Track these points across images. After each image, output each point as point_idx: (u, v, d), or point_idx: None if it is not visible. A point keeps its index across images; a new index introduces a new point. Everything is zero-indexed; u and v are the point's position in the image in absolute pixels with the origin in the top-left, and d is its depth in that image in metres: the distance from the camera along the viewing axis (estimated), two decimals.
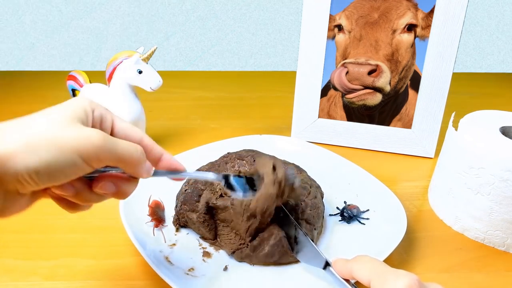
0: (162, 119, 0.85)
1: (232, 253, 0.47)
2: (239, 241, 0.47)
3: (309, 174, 0.57)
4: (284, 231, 0.47)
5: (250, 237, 0.46)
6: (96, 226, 0.54)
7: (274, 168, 0.43)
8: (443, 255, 0.51)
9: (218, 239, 0.49)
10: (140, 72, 0.61)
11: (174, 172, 0.37)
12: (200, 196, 0.50)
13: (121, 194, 0.35)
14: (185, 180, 0.54)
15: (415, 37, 0.67)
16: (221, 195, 0.49)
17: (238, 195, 0.42)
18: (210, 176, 0.40)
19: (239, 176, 0.43)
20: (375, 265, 0.35)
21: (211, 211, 0.49)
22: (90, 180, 0.34)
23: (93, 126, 0.32)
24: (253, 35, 1.29)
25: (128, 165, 0.33)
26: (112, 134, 0.34)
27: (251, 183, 0.43)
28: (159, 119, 0.85)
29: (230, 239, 0.48)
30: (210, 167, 0.55)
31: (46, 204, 0.59)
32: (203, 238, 0.50)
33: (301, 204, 0.49)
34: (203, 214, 0.49)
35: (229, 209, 0.48)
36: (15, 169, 0.27)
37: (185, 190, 0.52)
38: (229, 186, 0.41)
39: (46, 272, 0.47)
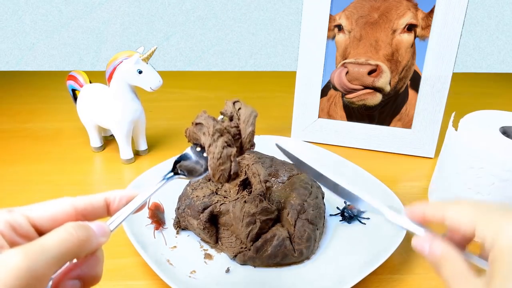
0: (162, 119, 0.85)
1: (234, 257, 0.47)
2: (240, 244, 0.47)
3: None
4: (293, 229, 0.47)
5: (251, 242, 0.46)
6: None
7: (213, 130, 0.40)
8: None
9: (219, 242, 0.49)
10: (140, 72, 0.61)
11: (132, 204, 0.31)
12: (205, 209, 0.49)
13: (92, 281, 0.27)
14: (187, 183, 0.54)
15: (415, 37, 0.67)
16: (223, 204, 0.49)
17: (199, 171, 0.39)
18: (161, 185, 0.35)
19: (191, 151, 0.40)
20: (480, 206, 0.27)
21: (213, 218, 0.49)
22: None
23: (10, 243, 0.25)
24: (253, 35, 1.29)
25: (76, 252, 0.25)
26: (37, 229, 0.27)
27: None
28: (159, 119, 0.85)
29: (231, 242, 0.48)
30: None
31: None
32: (204, 240, 0.50)
33: (304, 204, 0.49)
34: (204, 222, 0.48)
35: (230, 213, 0.48)
36: None
37: (192, 197, 0.51)
38: (187, 168, 0.39)
39: None
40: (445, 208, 0.28)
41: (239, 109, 0.43)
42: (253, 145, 0.43)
